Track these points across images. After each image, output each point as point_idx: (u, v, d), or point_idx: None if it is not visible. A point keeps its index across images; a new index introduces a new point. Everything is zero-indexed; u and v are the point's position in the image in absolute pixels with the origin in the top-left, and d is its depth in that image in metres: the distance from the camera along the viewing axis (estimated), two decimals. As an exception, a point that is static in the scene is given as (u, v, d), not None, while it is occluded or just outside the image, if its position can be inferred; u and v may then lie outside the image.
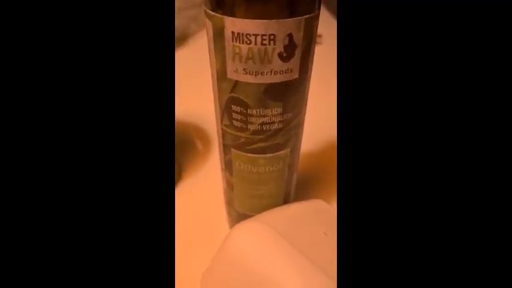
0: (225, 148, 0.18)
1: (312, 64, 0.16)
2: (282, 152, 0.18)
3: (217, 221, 0.26)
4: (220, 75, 0.15)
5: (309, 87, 0.17)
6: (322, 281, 0.14)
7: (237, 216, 0.22)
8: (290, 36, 0.13)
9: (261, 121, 0.16)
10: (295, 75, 0.15)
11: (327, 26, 0.66)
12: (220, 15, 0.13)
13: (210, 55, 0.15)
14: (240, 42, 0.13)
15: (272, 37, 0.13)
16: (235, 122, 0.16)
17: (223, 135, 0.18)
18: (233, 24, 0.13)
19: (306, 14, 0.13)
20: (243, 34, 0.13)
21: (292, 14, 0.13)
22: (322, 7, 0.77)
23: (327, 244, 0.17)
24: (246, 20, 0.13)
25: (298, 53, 0.14)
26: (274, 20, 0.13)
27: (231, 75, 0.15)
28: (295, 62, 0.14)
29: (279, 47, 0.13)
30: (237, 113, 0.16)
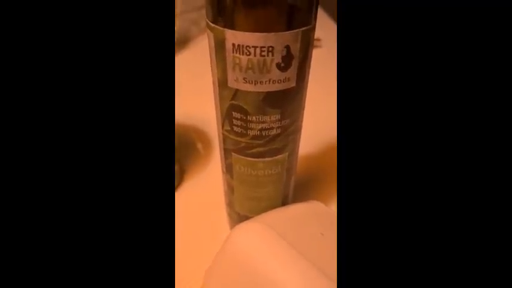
0: (226, 152, 0.19)
1: (308, 73, 0.17)
2: (280, 156, 0.19)
3: (218, 223, 0.26)
4: (222, 84, 0.16)
5: (305, 94, 0.17)
6: (322, 282, 0.15)
7: (238, 217, 0.23)
8: (287, 47, 0.14)
9: (260, 127, 0.17)
10: (293, 84, 0.16)
11: (326, 30, 0.66)
12: (221, 28, 0.14)
13: (211, 64, 0.16)
14: (240, 54, 0.14)
15: (271, 49, 0.14)
16: (235, 128, 0.17)
17: (224, 140, 0.19)
18: (234, 37, 0.14)
19: (303, 27, 0.14)
20: (243, 46, 0.14)
21: (289, 27, 0.14)
22: (320, 10, 0.77)
23: (324, 245, 0.17)
24: (246, 33, 0.13)
25: (295, 63, 0.15)
26: (273, 33, 0.13)
27: (231, 84, 0.15)
28: (292, 71, 0.15)
29: (277, 58, 0.14)
30: (237, 119, 0.17)
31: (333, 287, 0.15)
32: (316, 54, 0.56)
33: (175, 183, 0.29)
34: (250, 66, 0.14)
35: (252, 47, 0.14)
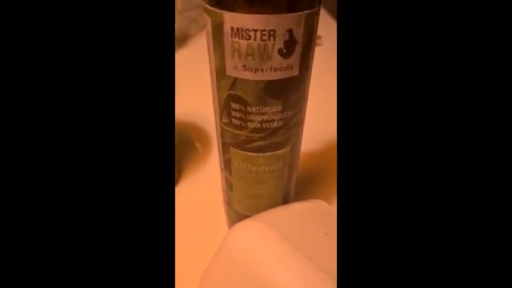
0: (224, 147, 0.18)
1: (312, 61, 0.16)
2: (282, 150, 0.18)
3: (216, 222, 0.25)
4: (219, 72, 0.15)
5: (309, 85, 0.16)
6: (326, 284, 0.14)
7: (236, 216, 0.22)
8: (290, 32, 0.13)
9: (260, 119, 0.16)
10: (295, 72, 0.15)
11: (326, 27, 0.66)
12: (219, 11, 0.13)
13: (209, 52, 0.15)
14: (239, 38, 0.13)
15: (272, 33, 0.13)
16: (234, 120, 0.16)
17: (222, 133, 0.18)
18: (232, 20, 0.13)
19: (307, 10, 0.13)
20: (242, 29, 0.13)
21: (292, 9, 0.13)
22: (321, 8, 0.77)
23: (328, 245, 0.16)
24: (245, 15, 0.12)
25: (298, 49, 0.14)
26: (274, 15, 0.12)
27: (230, 72, 0.14)
28: (295, 58, 0.14)
29: (279, 43, 0.13)
30: (236, 110, 0.16)
31: (335, 287, 0.14)
32: (316, 51, 0.55)
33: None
34: (250, 52, 0.13)
35: (252, 30, 0.13)
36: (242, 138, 0.17)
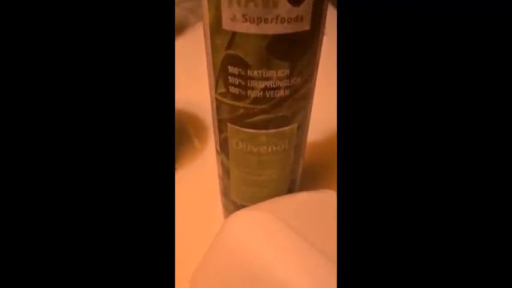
0: (220, 124, 0.16)
1: (325, 17, 0.13)
2: (288, 127, 0.15)
3: (211, 216, 0.23)
4: (215, 27, 0.12)
5: (321, 46, 0.14)
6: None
7: (234, 208, 0.19)
8: (302, -31, 0.11)
9: (263, 85, 0.13)
10: (306, 27, 0.12)
11: (329, 17, 0.63)
12: None
13: (202, 5, 0.13)
14: (238, -23, 0.11)
15: (279, -31, 0.10)
16: (232, 89, 0.14)
17: (218, 107, 0.15)
18: (230, -48, 0.10)
19: None
20: (242, -35, 0.10)
21: None
22: None
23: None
24: None
25: (310, -5, 0.11)
26: None
27: (227, 25, 0.12)
28: (306, 7, 0.11)
29: (288, -16, 0.11)
30: (234, 76, 0.13)
31: None
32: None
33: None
34: (251, -5, 0.11)
35: (255, -36, 0.10)
36: (241, 111, 0.14)
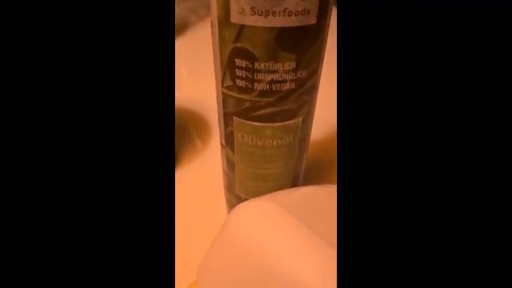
0: (226, 118, 0.16)
1: (331, 12, 0.13)
2: (293, 121, 0.15)
3: (215, 211, 0.23)
4: (223, 20, 0.13)
5: (326, 40, 0.14)
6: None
7: (238, 203, 0.19)
8: (310, -37, 0.11)
9: (270, 78, 0.13)
10: (313, 20, 0.12)
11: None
12: None
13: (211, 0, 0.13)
14: (247, -30, 0.11)
15: (288, -38, 0.11)
16: (238, 82, 0.14)
17: (224, 101, 0.15)
18: None
19: None
20: (251, -42, 0.11)
21: None
22: None
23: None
24: None
25: (318, -12, 0.12)
26: None
27: (235, 18, 0.12)
28: (313, 1, 0.12)
29: (296, -23, 0.11)
30: (241, 69, 0.13)
31: None
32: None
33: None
34: (260, -12, 0.11)
35: (264, -43, 0.10)
36: (247, 104, 0.14)
